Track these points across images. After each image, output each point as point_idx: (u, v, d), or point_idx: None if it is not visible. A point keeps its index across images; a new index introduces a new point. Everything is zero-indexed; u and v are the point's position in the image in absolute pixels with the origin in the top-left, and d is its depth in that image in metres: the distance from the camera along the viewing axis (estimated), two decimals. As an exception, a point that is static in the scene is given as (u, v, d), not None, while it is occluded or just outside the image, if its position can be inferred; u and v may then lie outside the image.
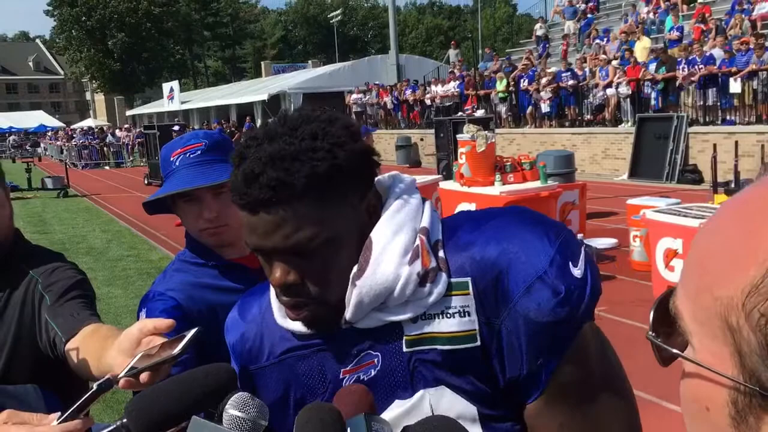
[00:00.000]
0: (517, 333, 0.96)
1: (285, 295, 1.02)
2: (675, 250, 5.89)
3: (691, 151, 14.87)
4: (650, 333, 0.56)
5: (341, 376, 1.06)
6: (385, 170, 1.08)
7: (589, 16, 24.00)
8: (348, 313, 1.01)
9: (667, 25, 18.62)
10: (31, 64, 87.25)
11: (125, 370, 1.06)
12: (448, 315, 0.99)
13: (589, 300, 0.97)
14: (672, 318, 0.54)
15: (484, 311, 0.98)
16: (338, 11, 54.54)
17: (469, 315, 0.98)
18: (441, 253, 1.01)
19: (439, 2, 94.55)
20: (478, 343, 0.98)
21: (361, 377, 1.04)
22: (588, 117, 18.41)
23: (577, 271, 0.97)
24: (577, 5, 25.16)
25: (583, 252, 1.00)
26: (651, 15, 20.39)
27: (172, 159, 1.68)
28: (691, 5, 19.36)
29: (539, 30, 25.51)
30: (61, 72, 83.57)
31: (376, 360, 1.03)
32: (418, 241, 1.00)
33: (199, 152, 1.66)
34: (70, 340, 1.51)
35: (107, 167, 32.67)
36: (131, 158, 34.78)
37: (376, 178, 1.07)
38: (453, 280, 0.99)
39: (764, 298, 0.45)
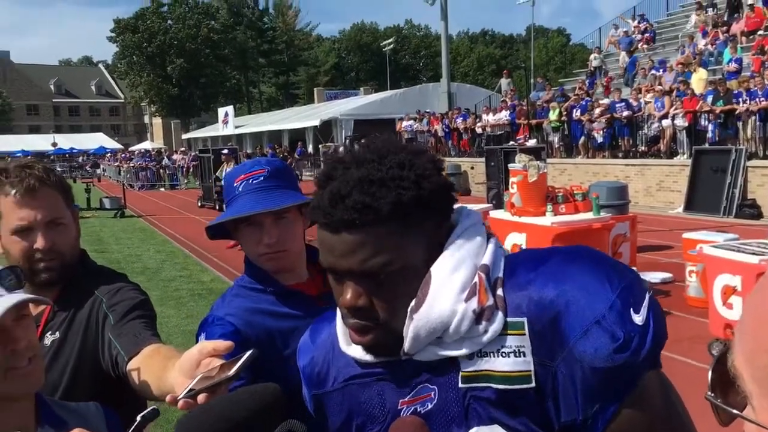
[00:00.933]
0: (572, 377, 0.95)
1: (353, 317, 1.03)
2: (733, 287, 5.72)
3: (749, 185, 14.48)
4: (709, 394, 0.55)
5: (399, 407, 1.07)
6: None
7: (634, 54, 23.77)
8: (406, 345, 1.02)
9: (725, 56, 18.27)
10: (93, 87, 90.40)
11: (184, 392, 1.09)
12: (504, 354, 0.98)
13: (650, 347, 0.94)
14: (731, 377, 0.53)
15: (539, 352, 0.96)
16: (391, 39, 55.10)
17: (524, 355, 0.97)
18: (500, 291, 1.00)
19: (491, 31, 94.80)
20: (533, 384, 0.97)
21: (418, 410, 1.05)
22: (642, 148, 18.12)
23: (638, 318, 0.94)
24: (633, 36, 24.93)
25: (647, 298, 0.97)
26: (708, 46, 20.06)
27: (235, 185, 1.71)
28: (751, 37, 18.98)
29: (594, 61, 25.33)
30: (122, 96, 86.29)
31: (432, 393, 1.04)
32: (476, 279, 1.00)
33: (261, 178, 1.69)
34: (131, 360, 1.55)
35: (163, 189, 33.46)
36: (186, 181, 35.56)
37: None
38: (509, 319, 0.98)
39: None
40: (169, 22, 66.20)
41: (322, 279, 1.81)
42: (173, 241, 14.48)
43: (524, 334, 0.97)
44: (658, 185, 16.94)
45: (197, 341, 1.64)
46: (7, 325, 1.26)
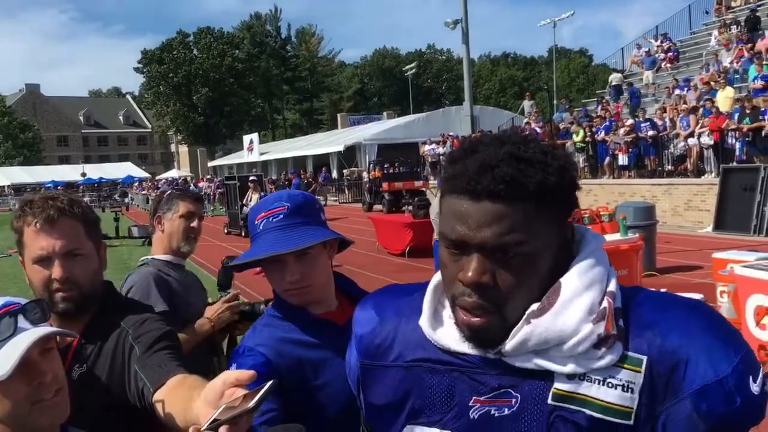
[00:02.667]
0: (675, 426, 0.95)
1: (474, 293, 1.00)
2: (767, 308, 5.61)
3: (780, 203, 14.25)
4: None
5: (471, 403, 1.04)
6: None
7: (658, 72, 23.62)
8: (508, 345, 1.00)
9: (751, 74, 18.11)
10: (121, 118, 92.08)
11: (207, 423, 1.09)
12: (611, 385, 0.97)
13: (756, 419, 0.96)
14: None
15: (649, 394, 0.96)
16: (413, 64, 55.41)
17: (632, 392, 0.96)
18: (620, 323, 0.99)
19: (513, 54, 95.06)
20: (631, 422, 0.96)
21: (493, 412, 1.02)
22: (669, 167, 17.96)
23: (755, 387, 0.95)
24: (656, 55, 24.83)
25: (761, 370, 0.98)
26: (734, 64, 19.90)
27: (256, 222, 1.70)
28: (777, 53, 18.81)
29: (615, 81, 25.21)
30: (149, 125, 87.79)
31: (513, 401, 1.01)
32: (605, 304, 0.99)
33: (281, 216, 1.68)
34: (157, 391, 1.55)
35: (189, 216, 33.70)
36: (212, 208, 35.89)
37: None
38: (630, 353, 0.97)
39: None
40: (195, 52, 67.44)
41: (351, 307, 1.81)
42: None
43: (640, 372, 0.96)
44: (686, 204, 16.74)
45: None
46: (34, 359, 1.27)
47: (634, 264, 8.16)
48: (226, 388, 1.15)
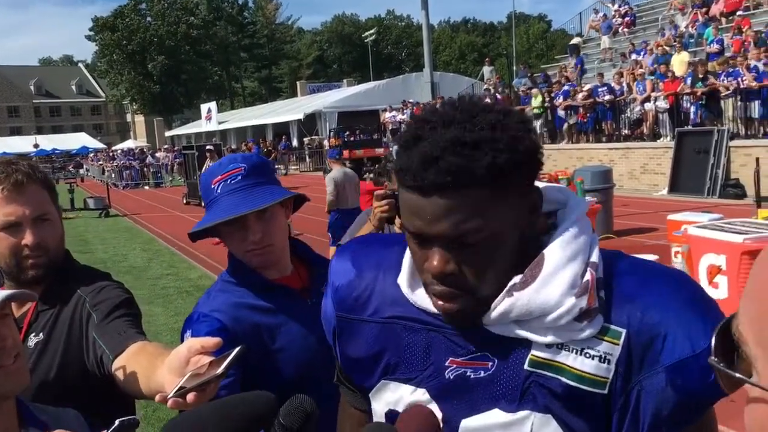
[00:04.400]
0: (649, 398, 0.96)
1: (441, 284, 0.99)
2: (718, 267, 5.76)
3: (732, 165, 14.59)
4: (713, 358, 0.55)
5: (447, 364, 1.04)
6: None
7: (615, 37, 23.80)
8: (491, 316, 1.00)
9: (707, 37, 18.37)
10: (73, 87, 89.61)
11: (174, 391, 1.08)
12: (588, 355, 0.97)
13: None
14: (735, 343, 0.53)
15: (625, 365, 0.97)
16: (372, 30, 54.95)
17: (609, 363, 0.97)
18: (602, 294, 0.99)
19: (472, 20, 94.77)
20: (606, 392, 0.97)
21: (468, 374, 1.03)
22: (626, 132, 18.21)
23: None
24: (613, 20, 25.00)
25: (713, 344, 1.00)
26: (689, 28, 20.15)
27: (213, 186, 1.68)
28: (730, 18, 19.09)
29: (573, 41, 25.40)
30: (103, 95, 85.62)
31: (490, 364, 1.02)
32: (588, 276, 0.98)
33: (239, 177, 1.66)
34: (117, 358, 1.53)
35: (147, 187, 33.27)
36: (170, 178, 35.37)
37: (542, 185, 1.06)
38: (610, 326, 0.97)
39: None
40: (149, 19, 65.80)
41: (306, 272, 1.80)
42: (159, 239, 14.41)
43: (618, 344, 0.96)
44: (642, 168, 17.04)
45: (182, 339, 1.63)
46: None
47: (592, 226, 8.29)
48: (192, 356, 1.14)
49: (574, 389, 0.97)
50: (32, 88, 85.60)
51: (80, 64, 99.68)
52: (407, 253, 1.09)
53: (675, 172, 15.51)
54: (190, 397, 1.05)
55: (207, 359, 1.11)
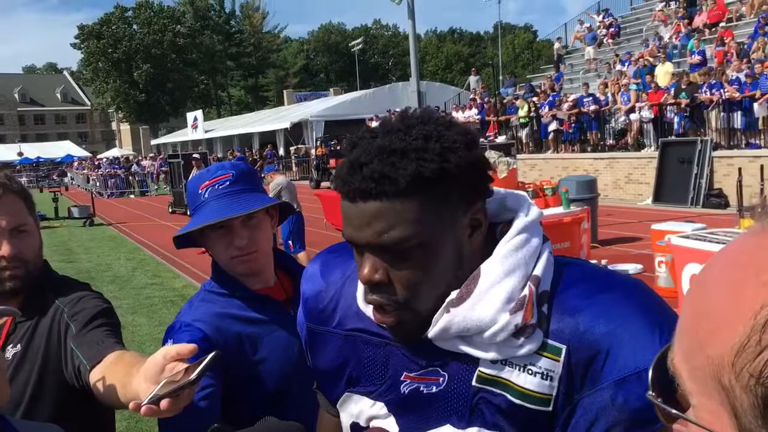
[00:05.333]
0: (590, 415, 0.94)
1: (372, 292, 0.99)
2: (701, 276, 5.81)
3: (715, 175, 14.73)
4: (650, 393, 0.54)
5: (402, 378, 1.05)
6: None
7: (599, 48, 24.01)
8: (431, 332, 0.99)
9: (690, 48, 18.57)
10: (58, 95, 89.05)
11: (148, 398, 1.07)
12: (531, 372, 0.95)
13: None
14: (671, 375, 0.52)
15: (567, 382, 0.94)
16: (359, 40, 55.09)
17: (551, 380, 0.95)
18: (545, 308, 0.96)
19: (459, 30, 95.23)
20: (550, 409, 0.95)
21: (422, 389, 1.03)
22: (610, 142, 18.35)
23: None
24: (598, 31, 25.22)
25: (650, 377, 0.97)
26: (673, 39, 20.36)
27: (200, 191, 1.69)
28: (713, 29, 19.32)
29: (558, 51, 25.62)
30: (88, 103, 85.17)
31: (441, 379, 1.01)
32: (526, 291, 0.95)
33: (227, 183, 1.67)
34: (94, 368, 1.52)
35: (132, 196, 33.08)
36: (156, 187, 35.20)
37: (494, 195, 1.04)
38: (549, 341, 0.95)
39: (752, 357, 0.44)
40: (134, 27, 65.55)
41: (290, 283, 1.80)
42: (144, 249, 14.32)
43: (559, 361, 0.94)
44: (627, 178, 17.16)
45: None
46: None
47: (577, 236, 8.34)
48: (167, 363, 1.13)
49: (519, 407, 0.96)
50: (16, 96, 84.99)
51: (65, 72, 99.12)
52: None
53: (659, 181, 15.64)
54: (163, 403, 1.05)
55: (182, 366, 1.11)
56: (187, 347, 1.14)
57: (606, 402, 0.92)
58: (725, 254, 0.51)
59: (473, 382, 0.99)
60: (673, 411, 0.52)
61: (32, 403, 1.62)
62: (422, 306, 0.98)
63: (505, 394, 0.97)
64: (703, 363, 0.48)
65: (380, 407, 1.07)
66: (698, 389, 0.49)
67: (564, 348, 0.94)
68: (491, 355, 0.96)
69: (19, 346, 1.66)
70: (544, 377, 0.95)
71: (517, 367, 0.96)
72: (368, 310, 1.06)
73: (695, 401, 0.50)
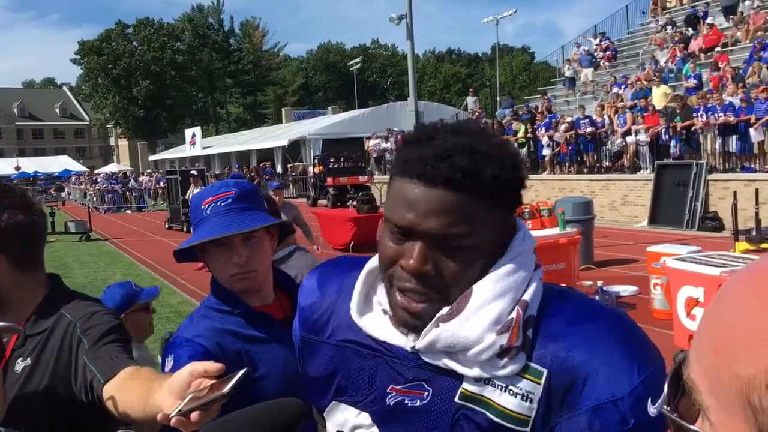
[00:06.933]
0: None
1: (415, 281, 1.01)
2: (696, 299, 5.83)
3: (711, 198, 14.80)
4: (665, 407, 0.55)
5: (388, 390, 1.07)
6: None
7: (596, 70, 24.18)
8: (419, 344, 1.02)
9: (685, 72, 18.73)
10: (57, 110, 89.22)
11: (176, 410, 1.10)
12: (512, 392, 0.99)
13: None
14: (686, 389, 0.53)
15: (546, 405, 0.98)
16: (358, 59, 55.40)
17: (531, 402, 0.98)
18: (529, 333, 1.00)
19: (457, 50, 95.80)
20: (528, 430, 0.98)
21: (407, 402, 1.05)
22: (607, 164, 18.43)
23: (652, 410, 0.92)
24: (595, 53, 25.42)
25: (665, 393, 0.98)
26: (669, 63, 20.53)
27: (202, 207, 1.72)
28: (708, 54, 19.49)
29: (567, 71, 25.74)
30: (87, 118, 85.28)
31: (426, 393, 1.04)
32: (514, 315, 0.99)
33: (229, 200, 1.70)
34: (108, 382, 1.53)
35: (129, 211, 33.04)
36: (153, 203, 35.18)
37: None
38: (531, 364, 0.99)
39: None
40: (134, 44, 65.85)
41: (288, 301, 1.82)
42: (140, 264, 14.29)
43: (540, 384, 0.98)
44: (623, 199, 17.22)
45: (163, 363, 1.64)
46: None
47: (573, 258, 8.36)
48: (193, 379, 1.15)
49: (498, 426, 0.99)
50: (15, 110, 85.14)
51: (64, 87, 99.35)
52: (360, 278, 1.12)
53: (654, 204, 15.70)
54: (194, 415, 1.08)
55: (208, 382, 1.13)
56: (215, 366, 1.16)
57: (582, 427, 0.95)
58: (754, 272, 0.51)
59: (456, 399, 1.01)
60: (691, 427, 0.52)
61: (40, 416, 1.63)
62: (451, 301, 1.01)
63: (485, 412, 1.00)
64: (729, 380, 0.48)
65: (365, 417, 1.09)
66: (719, 406, 0.49)
67: (545, 372, 0.98)
68: (475, 372, 1.00)
69: (29, 359, 1.68)
70: (524, 398, 0.98)
71: (500, 387, 0.99)
72: (362, 322, 1.10)
73: (714, 417, 0.50)
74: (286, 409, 0.98)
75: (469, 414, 1.00)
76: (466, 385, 1.01)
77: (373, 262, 1.12)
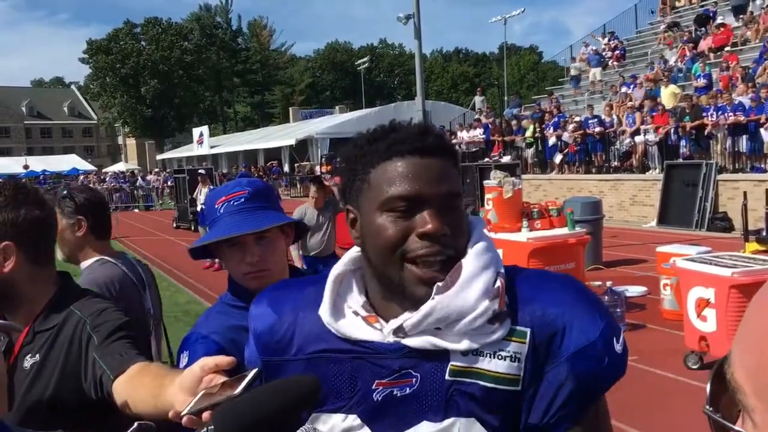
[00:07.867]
0: (554, 386, 1.07)
1: (436, 244, 1.08)
2: (707, 300, 5.78)
3: (720, 198, 14.73)
4: (708, 408, 0.54)
5: (374, 386, 1.10)
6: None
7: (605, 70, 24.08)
8: (411, 320, 1.07)
9: (695, 72, 18.64)
10: (65, 109, 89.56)
11: (188, 408, 1.08)
12: (500, 357, 1.07)
13: (619, 374, 1.11)
14: (729, 390, 0.52)
15: (533, 361, 1.07)
16: (365, 58, 55.33)
17: (519, 361, 1.07)
18: (507, 300, 1.10)
19: (465, 50, 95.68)
20: (519, 388, 1.07)
21: (395, 392, 1.09)
22: (615, 164, 18.37)
23: (618, 347, 1.10)
24: (603, 53, 25.33)
25: (622, 333, 1.14)
26: (678, 62, 20.44)
27: (216, 206, 1.72)
28: (718, 53, 19.39)
29: (573, 70, 25.69)
30: (95, 117, 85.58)
31: (414, 380, 1.08)
32: (499, 283, 1.09)
33: (243, 200, 1.71)
34: (117, 378, 1.53)
35: (137, 210, 33.14)
36: (161, 201, 35.28)
37: None
38: (517, 327, 1.08)
39: None
40: (143, 43, 66.05)
41: None
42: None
43: (525, 343, 1.07)
44: (632, 200, 17.16)
45: (178, 359, 1.64)
46: None
47: (581, 257, 8.32)
48: (205, 375, 1.14)
49: (492, 390, 1.06)
50: (24, 109, 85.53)
51: (73, 86, 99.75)
52: (328, 285, 1.16)
53: (664, 204, 15.63)
54: (205, 415, 1.06)
55: (221, 379, 1.12)
56: (225, 359, 1.16)
57: (567, 372, 1.06)
58: None
59: (446, 377, 1.07)
60: (735, 427, 0.52)
61: (49, 412, 1.63)
62: (462, 253, 1.11)
63: (477, 381, 1.07)
64: None
65: (353, 419, 1.11)
66: (764, 408, 0.49)
67: (528, 330, 1.08)
68: (464, 345, 1.06)
69: (38, 356, 1.68)
70: (513, 359, 1.07)
71: (488, 355, 1.07)
72: (338, 326, 1.13)
73: (758, 418, 0.50)
74: (304, 382, 0.99)
75: (462, 387, 1.07)
76: (454, 362, 1.07)
77: (336, 269, 1.18)
